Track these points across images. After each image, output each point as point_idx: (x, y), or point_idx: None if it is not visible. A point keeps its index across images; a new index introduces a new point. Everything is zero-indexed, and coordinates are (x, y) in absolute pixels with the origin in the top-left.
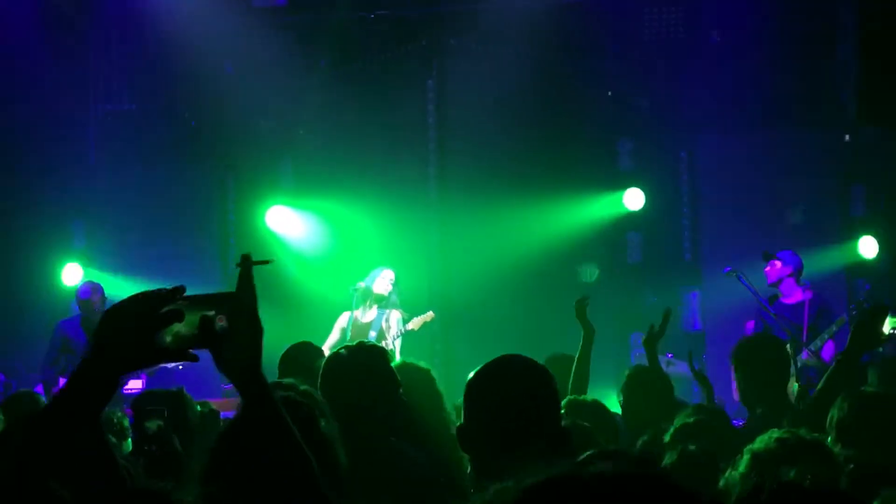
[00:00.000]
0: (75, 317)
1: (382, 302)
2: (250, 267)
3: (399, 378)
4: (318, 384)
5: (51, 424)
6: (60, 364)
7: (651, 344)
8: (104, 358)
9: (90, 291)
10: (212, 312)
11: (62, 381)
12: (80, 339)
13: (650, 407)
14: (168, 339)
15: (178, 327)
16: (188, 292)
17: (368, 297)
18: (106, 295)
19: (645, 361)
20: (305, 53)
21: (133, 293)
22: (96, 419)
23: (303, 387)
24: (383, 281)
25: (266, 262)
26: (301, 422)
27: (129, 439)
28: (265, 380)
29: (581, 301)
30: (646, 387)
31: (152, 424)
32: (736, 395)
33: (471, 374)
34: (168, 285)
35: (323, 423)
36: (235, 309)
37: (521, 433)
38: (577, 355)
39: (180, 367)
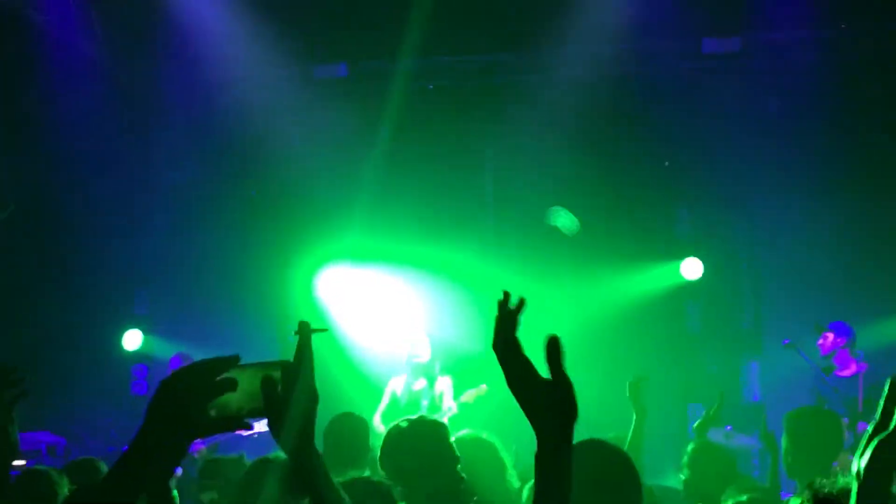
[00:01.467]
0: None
1: (426, 370)
2: (309, 335)
3: (462, 451)
4: (378, 457)
5: (109, 495)
6: None
7: (704, 429)
8: (159, 429)
9: (181, 360)
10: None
11: None
12: None
13: (714, 482)
14: (224, 407)
15: (234, 395)
16: (248, 359)
17: (417, 366)
18: None
19: (711, 438)
20: (366, 124)
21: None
22: (159, 488)
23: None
24: (418, 347)
25: (323, 330)
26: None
27: None
28: (317, 451)
29: (636, 381)
30: (711, 462)
31: (206, 497)
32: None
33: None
34: (229, 352)
35: None
36: (292, 376)
37: None
38: (628, 437)
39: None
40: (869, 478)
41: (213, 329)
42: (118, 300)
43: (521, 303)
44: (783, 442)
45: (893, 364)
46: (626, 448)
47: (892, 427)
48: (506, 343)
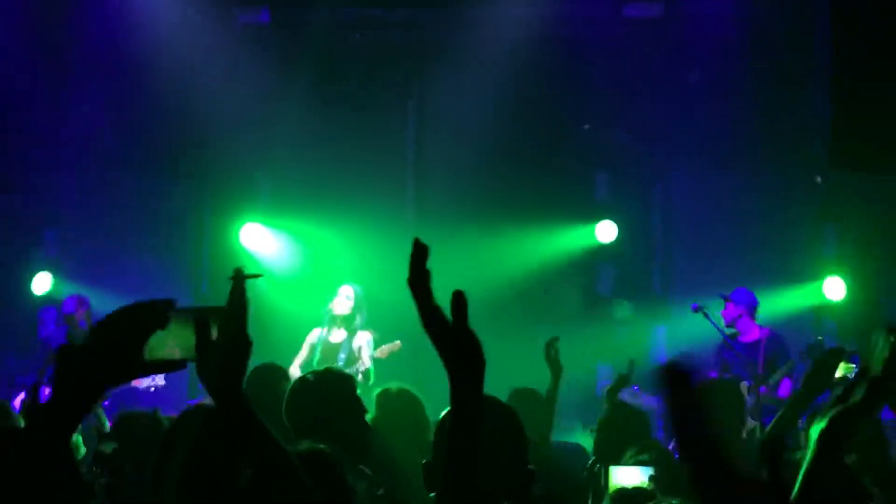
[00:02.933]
0: (60, 330)
1: (346, 322)
2: (243, 280)
3: (382, 403)
4: (283, 409)
5: (33, 436)
6: (48, 374)
7: (615, 393)
8: (92, 369)
9: (76, 305)
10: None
11: (45, 389)
12: None
13: (624, 441)
14: (157, 350)
15: (167, 340)
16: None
17: (335, 318)
18: (92, 308)
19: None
20: (286, 71)
21: (121, 305)
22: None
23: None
24: (340, 299)
25: (257, 276)
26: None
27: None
28: (245, 395)
29: (551, 342)
30: (625, 422)
31: (107, 447)
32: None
33: (443, 413)
34: (141, 298)
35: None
36: (224, 321)
37: (487, 473)
38: (545, 395)
39: (152, 388)
40: (822, 448)
41: (126, 274)
42: (26, 242)
43: (425, 248)
44: None
45: (793, 329)
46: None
47: (852, 401)
48: (419, 277)
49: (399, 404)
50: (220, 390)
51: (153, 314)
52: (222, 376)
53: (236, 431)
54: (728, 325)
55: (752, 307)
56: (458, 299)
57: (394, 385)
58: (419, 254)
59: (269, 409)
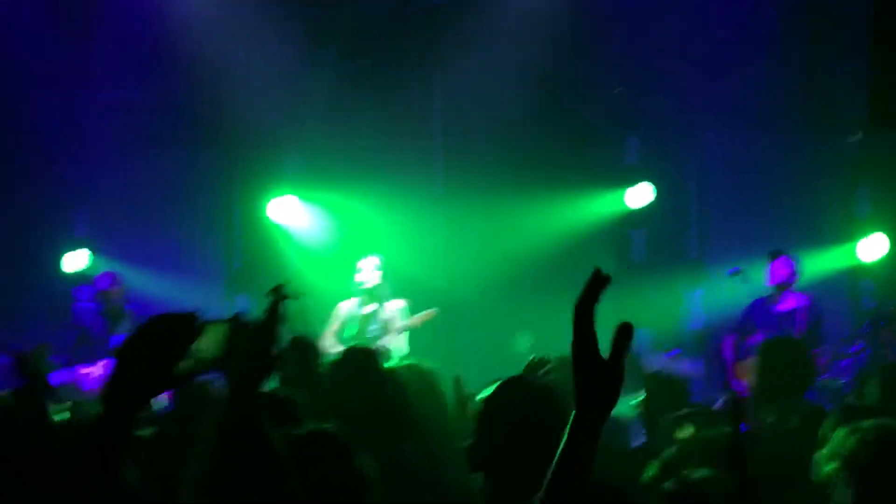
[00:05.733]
0: (92, 307)
1: (375, 293)
2: (280, 300)
3: (406, 378)
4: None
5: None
6: (80, 354)
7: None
8: (127, 391)
9: (110, 282)
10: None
11: (80, 368)
12: (98, 329)
13: (667, 407)
14: (187, 362)
15: (198, 348)
16: (192, 283)
17: (363, 290)
18: (125, 285)
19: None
20: (314, 46)
21: (151, 316)
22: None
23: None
24: (366, 270)
25: (298, 297)
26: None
27: None
28: (257, 404)
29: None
30: (665, 388)
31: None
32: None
33: (479, 397)
34: (170, 277)
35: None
36: (255, 334)
37: (531, 458)
38: None
39: None
40: None
41: (157, 252)
42: (57, 221)
43: (607, 279)
44: (755, 372)
45: (833, 297)
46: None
47: None
48: (588, 304)
49: (413, 382)
50: (237, 398)
51: (186, 327)
52: (240, 387)
53: (245, 433)
54: (774, 286)
55: (797, 274)
56: (626, 332)
57: (407, 362)
58: (598, 282)
59: (303, 380)
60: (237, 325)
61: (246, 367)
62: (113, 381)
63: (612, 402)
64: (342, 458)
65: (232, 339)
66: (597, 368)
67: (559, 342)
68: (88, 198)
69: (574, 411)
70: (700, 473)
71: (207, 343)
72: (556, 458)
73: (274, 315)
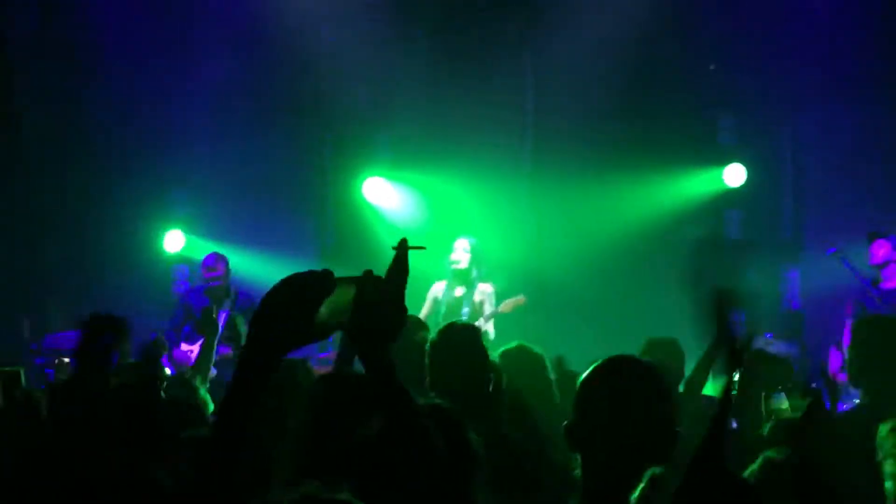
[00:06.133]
0: (198, 286)
1: (465, 276)
2: (406, 251)
3: (512, 361)
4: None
5: (232, 418)
6: (184, 332)
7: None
8: (268, 343)
9: (215, 261)
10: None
11: (184, 345)
12: (204, 307)
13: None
14: (322, 316)
15: (326, 306)
16: (286, 263)
17: (455, 273)
18: (228, 264)
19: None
20: (404, 23)
21: (285, 276)
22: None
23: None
24: (458, 252)
25: (422, 248)
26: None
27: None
28: (392, 362)
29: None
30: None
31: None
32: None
33: (584, 374)
34: (265, 256)
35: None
36: (384, 287)
37: (632, 438)
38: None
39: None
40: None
41: (254, 231)
42: (157, 201)
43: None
44: (848, 351)
45: None
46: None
47: None
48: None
49: (520, 363)
50: (371, 350)
51: (320, 282)
52: (376, 338)
53: (380, 388)
54: (876, 266)
55: None
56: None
57: (513, 344)
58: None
59: (406, 358)
60: (369, 279)
61: (379, 321)
62: (251, 338)
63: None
64: (455, 433)
65: (363, 293)
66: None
67: (652, 322)
68: (186, 179)
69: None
70: (781, 453)
71: (339, 300)
72: (701, 443)
73: (401, 267)
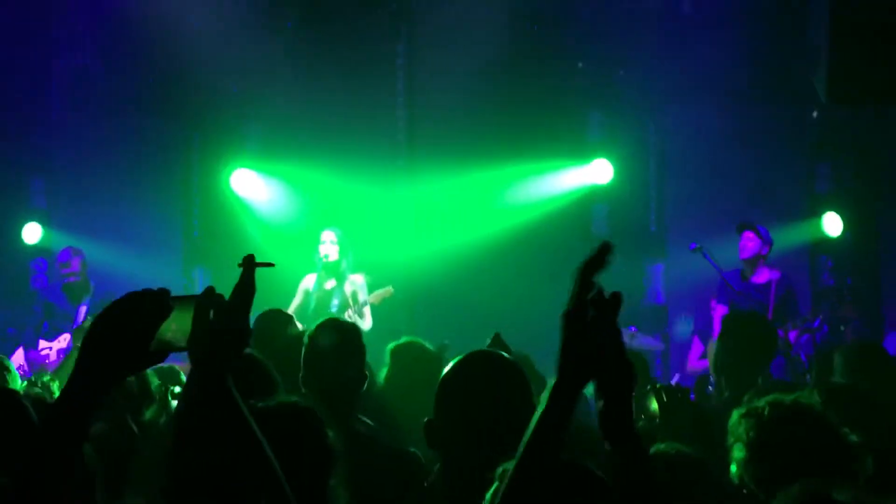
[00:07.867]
0: (55, 283)
1: (334, 268)
2: (252, 269)
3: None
4: (302, 361)
5: (50, 436)
6: (44, 328)
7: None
8: (99, 368)
9: (70, 255)
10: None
11: (42, 342)
12: (62, 303)
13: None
14: (158, 340)
15: (166, 329)
16: (150, 254)
17: (324, 265)
18: (85, 258)
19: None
20: (273, 14)
21: (121, 295)
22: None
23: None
24: (325, 245)
25: (269, 265)
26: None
27: None
28: (229, 379)
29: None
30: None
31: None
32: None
33: (444, 370)
34: (128, 247)
35: (330, 434)
36: (227, 306)
37: (490, 433)
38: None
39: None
40: None
41: (116, 222)
42: (13, 192)
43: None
44: (716, 343)
45: (802, 271)
46: None
47: None
48: (590, 273)
49: (411, 360)
50: (209, 373)
51: (156, 304)
52: (214, 358)
53: (216, 410)
54: (746, 260)
55: (770, 247)
56: (617, 301)
57: (403, 340)
58: (604, 251)
59: (277, 354)
60: (207, 300)
61: (217, 345)
62: (82, 361)
63: (597, 371)
64: (313, 431)
65: (201, 315)
66: (587, 334)
67: (522, 315)
68: (46, 168)
69: (555, 378)
70: (665, 447)
71: (178, 321)
72: (531, 424)
73: (246, 287)
